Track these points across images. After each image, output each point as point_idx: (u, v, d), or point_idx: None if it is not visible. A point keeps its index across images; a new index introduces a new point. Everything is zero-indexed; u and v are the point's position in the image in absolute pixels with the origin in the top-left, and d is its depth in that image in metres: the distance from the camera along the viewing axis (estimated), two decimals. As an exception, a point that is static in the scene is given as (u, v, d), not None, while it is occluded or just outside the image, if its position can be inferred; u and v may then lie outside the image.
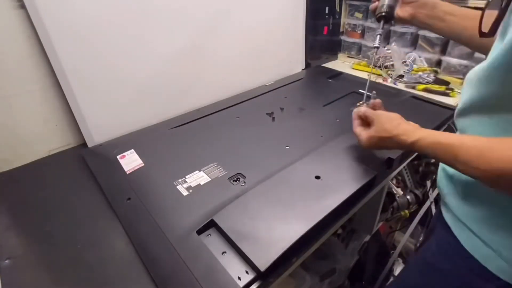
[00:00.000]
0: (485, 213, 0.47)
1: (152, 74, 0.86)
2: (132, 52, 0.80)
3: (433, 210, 1.27)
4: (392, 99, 0.97)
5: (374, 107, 0.66)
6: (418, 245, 1.27)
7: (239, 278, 0.45)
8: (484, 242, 0.47)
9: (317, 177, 0.62)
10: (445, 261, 0.54)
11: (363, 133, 0.60)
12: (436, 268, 0.55)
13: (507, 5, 0.40)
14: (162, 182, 0.65)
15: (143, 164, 0.71)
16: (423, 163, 1.08)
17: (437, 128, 0.84)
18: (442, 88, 1.08)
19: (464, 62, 1.12)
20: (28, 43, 0.68)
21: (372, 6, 0.73)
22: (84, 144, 0.80)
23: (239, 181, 0.65)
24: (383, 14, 0.69)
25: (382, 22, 0.71)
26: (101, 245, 0.54)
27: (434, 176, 1.17)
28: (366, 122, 0.62)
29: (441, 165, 0.60)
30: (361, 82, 1.14)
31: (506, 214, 0.44)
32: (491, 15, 0.44)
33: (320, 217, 0.53)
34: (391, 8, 0.69)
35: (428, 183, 1.17)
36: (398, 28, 1.24)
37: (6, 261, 0.52)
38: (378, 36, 0.72)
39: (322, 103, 0.97)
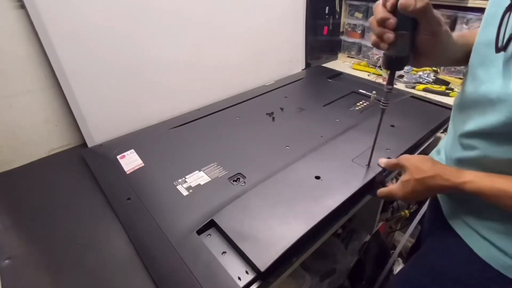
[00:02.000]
0: (508, 225, 0.46)
1: (152, 74, 0.86)
2: (132, 52, 0.80)
3: (433, 210, 1.27)
4: (392, 99, 0.97)
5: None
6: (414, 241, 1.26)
7: (239, 278, 0.45)
8: (505, 252, 0.46)
9: (317, 177, 0.62)
10: (459, 270, 0.53)
11: (393, 186, 0.54)
12: (450, 277, 0.54)
13: None
14: (162, 182, 0.65)
15: (143, 164, 0.71)
16: (423, 163, 1.08)
17: (437, 128, 0.84)
18: (442, 88, 1.08)
19: (464, 62, 1.12)
20: (28, 43, 0.68)
21: (375, 41, 0.46)
22: (84, 144, 0.80)
23: (239, 181, 0.65)
24: (393, 57, 0.46)
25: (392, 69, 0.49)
26: (101, 245, 0.54)
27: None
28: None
29: None
30: (361, 82, 1.14)
31: None
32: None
33: (320, 217, 0.53)
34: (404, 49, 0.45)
35: (428, 183, 1.17)
36: (398, 28, 1.23)
37: (6, 261, 0.52)
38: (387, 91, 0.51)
39: (322, 103, 0.97)
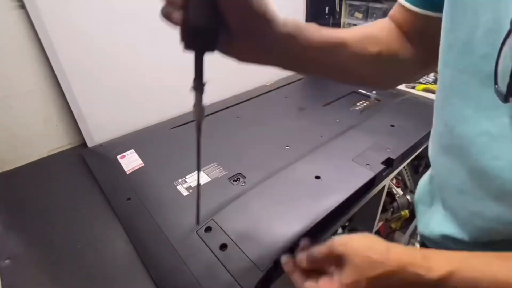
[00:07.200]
0: None
1: (152, 74, 0.86)
2: (132, 52, 0.80)
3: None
4: (392, 99, 0.97)
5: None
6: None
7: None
8: None
9: (317, 177, 0.62)
10: None
11: (327, 285, 0.33)
12: None
13: None
14: (162, 182, 0.65)
15: (143, 164, 0.71)
16: (423, 163, 1.08)
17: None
18: (442, 88, 1.08)
19: (464, 62, 1.12)
20: (28, 43, 0.68)
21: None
22: (84, 144, 0.80)
23: (239, 181, 0.65)
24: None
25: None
26: (101, 245, 0.54)
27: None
28: (317, 268, 0.36)
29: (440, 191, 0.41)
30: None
31: None
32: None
33: (320, 217, 0.53)
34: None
35: (428, 183, 1.17)
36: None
37: (6, 261, 0.52)
38: None
39: (322, 103, 0.97)
